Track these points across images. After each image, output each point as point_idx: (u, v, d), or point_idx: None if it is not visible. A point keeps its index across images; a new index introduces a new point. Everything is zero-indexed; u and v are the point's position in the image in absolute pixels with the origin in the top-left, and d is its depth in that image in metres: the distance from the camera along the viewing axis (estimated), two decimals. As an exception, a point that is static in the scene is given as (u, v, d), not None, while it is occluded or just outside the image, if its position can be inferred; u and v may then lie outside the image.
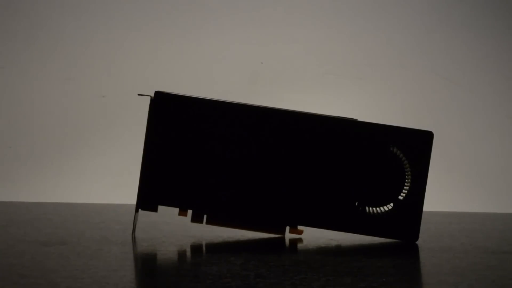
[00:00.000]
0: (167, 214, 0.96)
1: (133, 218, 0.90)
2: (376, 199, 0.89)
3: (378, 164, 0.89)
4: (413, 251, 0.83)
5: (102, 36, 1.52)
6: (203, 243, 0.87)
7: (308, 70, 1.54)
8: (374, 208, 0.89)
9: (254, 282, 0.59)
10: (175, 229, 0.99)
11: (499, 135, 1.57)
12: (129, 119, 1.49)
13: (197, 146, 0.88)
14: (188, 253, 0.81)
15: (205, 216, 0.89)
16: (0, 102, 1.51)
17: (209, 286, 0.57)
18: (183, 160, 0.88)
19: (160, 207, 0.89)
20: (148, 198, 0.88)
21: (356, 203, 0.89)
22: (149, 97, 0.88)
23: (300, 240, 0.90)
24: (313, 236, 0.92)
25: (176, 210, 0.89)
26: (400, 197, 0.89)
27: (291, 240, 0.89)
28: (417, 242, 0.89)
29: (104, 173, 1.51)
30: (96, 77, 1.52)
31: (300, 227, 0.90)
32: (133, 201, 0.88)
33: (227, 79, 1.53)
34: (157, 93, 0.88)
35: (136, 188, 0.88)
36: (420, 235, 0.89)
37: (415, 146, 0.89)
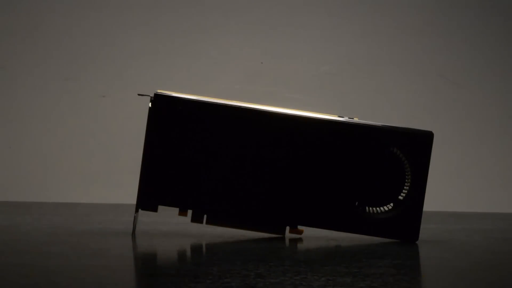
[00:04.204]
0: (167, 214, 0.96)
1: (133, 218, 0.90)
2: (376, 199, 0.89)
3: (378, 164, 0.89)
4: (413, 251, 0.83)
5: (102, 36, 1.52)
6: (203, 243, 0.87)
7: (308, 70, 1.54)
8: (374, 208, 0.89)
9: (254, 282, 0.59)
10: (175, 229, 0.99)
11: (499, 136, 1.57)
12: (129, 119, 1.49)
13: (197, 146, 0.88)
14: (188, 253, 0.81)
15: (205, 216, 0.89)
16: (0, 102, 1.51)
17: (209, 286, 0.57)
18: (183, 160, 0.88)
19: (160, 207, 0.89)
20: (148, 198, 0.88)
21: (356, 203, 0.89)
22: (149, 97, 0.88)
23: (300, 240, 0.90)
24: (313, 236, 0.92)
25: (176, 210, 0.89)
26: (400, 197, 0.89)
27: (291, 240, 0.89)
28: (417, 242, 0.89)
29: (104, 173, 1.51)
30: (96, 77, 1.52)
31: (300, 227, 0.90)
32: (133, 201, 0.88)
33: (227, 79, 1.53)
34: (157, 93, 0.88)
35: (136, 188, 0.88)
36: (420, 235, 0.89)
37: (415, 146, 0.89)
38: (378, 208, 0.89)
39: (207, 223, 0.89)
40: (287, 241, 0.88)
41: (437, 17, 1.57)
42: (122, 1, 1.52)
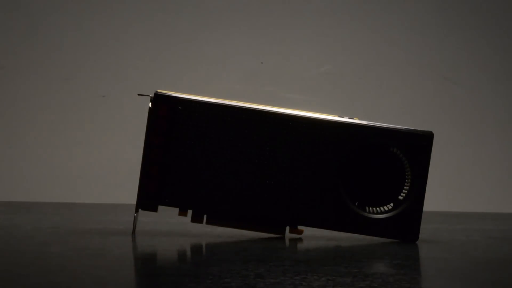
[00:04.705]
0: (167, 214, 0.96)
1: (133, 218, 0.90)
2: (376, 199, 0.89)
3: (378, 165, 0.89)
4: (413, 251, 0.83)
5: (102, 36, 1.52)
6: (203, 243, 0.87)
7: (308, 70, 1.54)
8: (374, 208, 0.89)
9: (254, 282, 0.59)
10: (175, 229, 0.99)
11: (499, 135, 1.57)
12: (129, 119, 1.49)
13: (197, 146, 0.88)
14: (188, 253, 0.81)
15: (205, 216, 0.89)
16: (0, 102, 1.51)
17: (209, 286, 0.57)
18: (183, 160, 0.88)
19: (160, 207, 0.89)
20: (148, 198, 0.88)
21: (357, 203, 0.89)
22: (149, 97, 0.88)
23: (300, 240, 0.90)
24: (313, 236, 0.92)
25: (176, 210, 0.89)
26: (400, 197, 0.89)
27: (291, 240, 0.89)
28: (417, 242, 0.89)
29: (104, 173, 1.51)
30: (96, 77, 1.52)
31: (300, 227, 0.90)
32: (133, 201, 0.88)
33: (227, 79, 1.53)
34: (157, 93, 0.88)
35: (136, 188, 0.88)
36: (420, 235, 0.89)
37: (415, 146, 0.89)
38: (378, 208, 0.89)
39: (207, 223, 0.89)
40: (287, 241, 0.88)
41: (437, 17, 1.57)
42: (122, 1, 1.52)
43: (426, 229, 1.01)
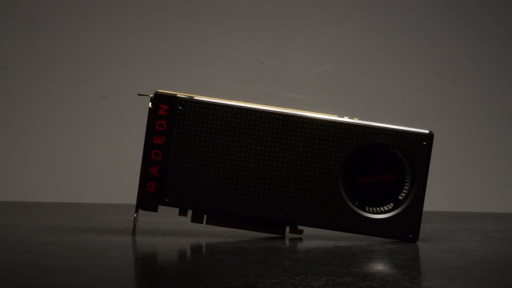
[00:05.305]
0: (167, 214, 0.96)
1: (133, 218, 0.90)
2: (376, 199, 0.89)
3: (378, 164, 0.89)
4: (413, 251, 0.83)
5: (102, 36, 1.52)
6: (203, 243, 0.87)
7: (308, 70, 1.54)
8: (373, 208, 0.89)
9: (254, 282, 0.59)
10: (175, 229, 0.99)
11: (498, 135, 1.57)
12: (129, 119, 1.49)
13: (197, 146, 0.88)
14: (188, 253, 0.81)
15: (205, 216, 0.89)
16: (0, 102, 1.51)
17: (209, 286, 0.57)
18: (183, 160, 0.88)
19: (160, 207, 0.89)
20: (148, 198, 0.88)
21: (357, 203, 0.89)
22: (149, 97, 0.88)
23: (300, 240, 0.90)
24: (313, 236, 0.92)
25: (176, 210, 0.89)
26: (400, 197, 0.89)
27: (291, 240, 0.89)
28: (417, 242, 0.89)
29: (104, 173, 1.51)
30: (96, 77, 1.52)
31: (300, 227, 0.90)
32: (133, 201, 0.88)
33: (227, 79, 1.53)
34: (157, 93, 0.88)
35: (136, 188, 0.88)
36: (420, 235, 0.89)
37: (415, 146, 0.89)
38: (378, 208, 0.89)
39: (207, 223, 0.89)
40: (287, 241, 0.88)
41: (437, 16, 1.57)
42: (122, 1, 1.52)
43: (426, 229, 1.01)
